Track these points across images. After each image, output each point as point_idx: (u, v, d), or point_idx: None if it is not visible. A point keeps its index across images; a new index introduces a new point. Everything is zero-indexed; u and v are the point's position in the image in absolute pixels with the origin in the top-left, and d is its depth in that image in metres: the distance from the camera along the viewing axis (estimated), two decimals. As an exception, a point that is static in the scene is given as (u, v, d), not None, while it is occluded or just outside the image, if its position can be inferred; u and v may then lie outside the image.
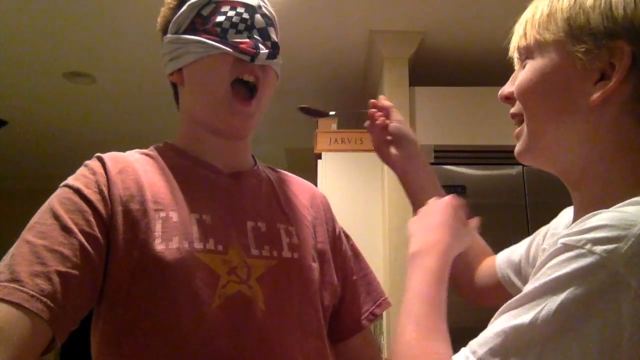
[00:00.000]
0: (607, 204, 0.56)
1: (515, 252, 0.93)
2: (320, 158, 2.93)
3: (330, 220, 1.01)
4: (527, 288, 0.52)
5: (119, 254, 0.78)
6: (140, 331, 0.77)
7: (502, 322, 0.51)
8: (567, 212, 0.83)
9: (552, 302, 0.48)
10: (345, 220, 1.06)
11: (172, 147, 0.94)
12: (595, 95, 0.61)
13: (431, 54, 2.96)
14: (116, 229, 0.79)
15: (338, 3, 2.59)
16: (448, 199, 0.81)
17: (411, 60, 2.90)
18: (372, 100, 1.05)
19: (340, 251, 1.00)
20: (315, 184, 2.92)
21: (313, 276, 0.89)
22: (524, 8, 0.71)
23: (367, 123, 1.07)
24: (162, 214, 0.81)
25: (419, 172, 1.02)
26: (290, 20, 2.65)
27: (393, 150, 1.04)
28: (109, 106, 3.63)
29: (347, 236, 1.05)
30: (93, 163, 0.85)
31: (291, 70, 3.05)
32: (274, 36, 0.90)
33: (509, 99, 0.72)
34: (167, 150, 0.93)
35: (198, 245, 0.80)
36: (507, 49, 0.74)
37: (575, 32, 0.62)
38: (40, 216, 0.77)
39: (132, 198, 0.81)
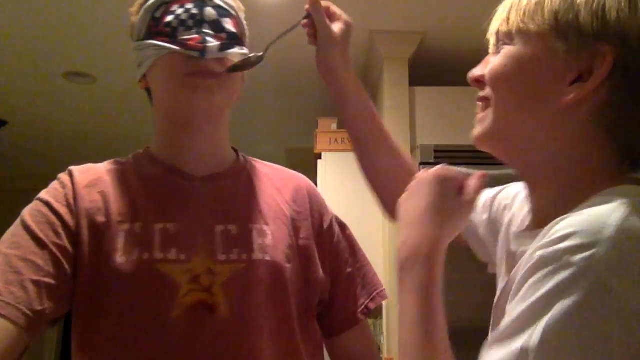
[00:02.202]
0: (565, 209, 0.55)
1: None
2: (320, 158, 2.92)
3: (317, 212, 0.98)
4: (512, 313, 0.50)
5: (84, 267, 0.80)
6: (100, 343, 0.79)
7: (494, 355, 0.50)
8: (520, 198, 0.79)
9: (542, 323, 0.47)
10: (345, 220, 1.05)
11: (147, 154, 0.94)
12: (569, 97, 0.59)
13: (431, 54, 2.96)
14: (82, 242, 0.81)
15: (338, 3, 2.59)
16: (434, 171, 0.69)
17: (411, 60, 2.90)
18: (306, 7, 0.95)
19: (330, 244, 0.97)
20: (315, 184, 2.92)
21: (285, 278, 0.87)
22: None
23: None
24: (126, 226, 0.83)
25: (341, 68, 0.95)
26: (290, 20, 2.65)
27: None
28: (109, 106, 3.63)
29: (342, 227, 1.02)
30: (64, 176, 0.88)
31: (291, 71, 3.05)
32: (229, 27, 0.88)
33: (479, 82, 0.69)
34: (143, 158, 0.94)
35: (158, 256, 0.81)
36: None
37: (561, 28, 0.59)
38: (14, 229, 0.80)
39: (98, 211, 0.83)
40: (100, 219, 0.83)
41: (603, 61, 0.57)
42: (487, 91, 0.67)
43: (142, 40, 0.87)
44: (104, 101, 3.54)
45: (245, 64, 0.89)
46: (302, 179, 1.03)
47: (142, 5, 0.89)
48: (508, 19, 0.65)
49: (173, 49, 0.84)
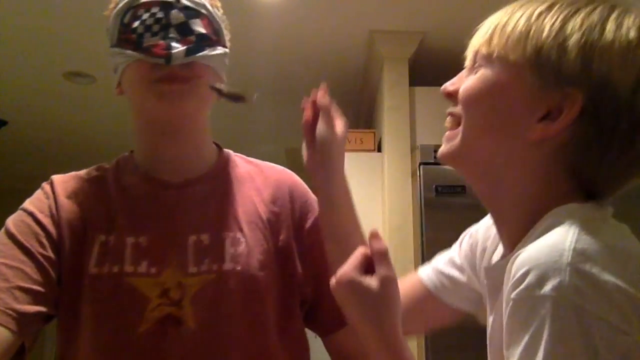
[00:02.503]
0: (523, 241, 0.56)
1: (446, 265, 0.87)
2: (320, 158, 2.92)
3: (298, 210, 0.94)
4: (512, 359, 0.51)
5: (66, 275, 0.82)
6: (79, 351, 0.80)
7: None
8: (488, 223, 0.80)
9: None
10: (345, 220, 1.03)
11: (130, 158, 0.94)
12: (535, 134, 0.59)
13: (431, 54, 2.96)
14: (64, 251, 0.83)
15: (338, 3, 2.59)
16: (336, 285, 0.65)
17: (411, 60, 2.90)
18: (319, 103, 0.86)
19: (314, 242, 0.92)
20: (315, 184, 2.93)
21: (259, 286, 0.85)
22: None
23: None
24: (102, 238, 0.84)
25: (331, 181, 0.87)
26: (290, 21, 2.66)
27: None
28: (109, 106, 3.62)
29: None
30: (46, 186, 0.89)
31: (291, 70, 3.05)
32: (199, 28, 0.84)
33: (451, 96, 0.68)
34: (125, 163, 0.93)
35: (129, 269, 0.81)
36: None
37: (540, 65, 0.59)
38: None
39: (77, 221, 0.85)
40: (80, 229, 0.84)
41: (572, 104, 0.57)
42: (458, 109, 0.67)
43: (114, 47, 0.86)
44: (104, 101, 3.53)
45: (226, 94, 0.85)
46: (285, 174, 0.99)
47: (112, 10, 0.87)
48: (490, 41, 0.64)
49: (137, 56, 0.82)
